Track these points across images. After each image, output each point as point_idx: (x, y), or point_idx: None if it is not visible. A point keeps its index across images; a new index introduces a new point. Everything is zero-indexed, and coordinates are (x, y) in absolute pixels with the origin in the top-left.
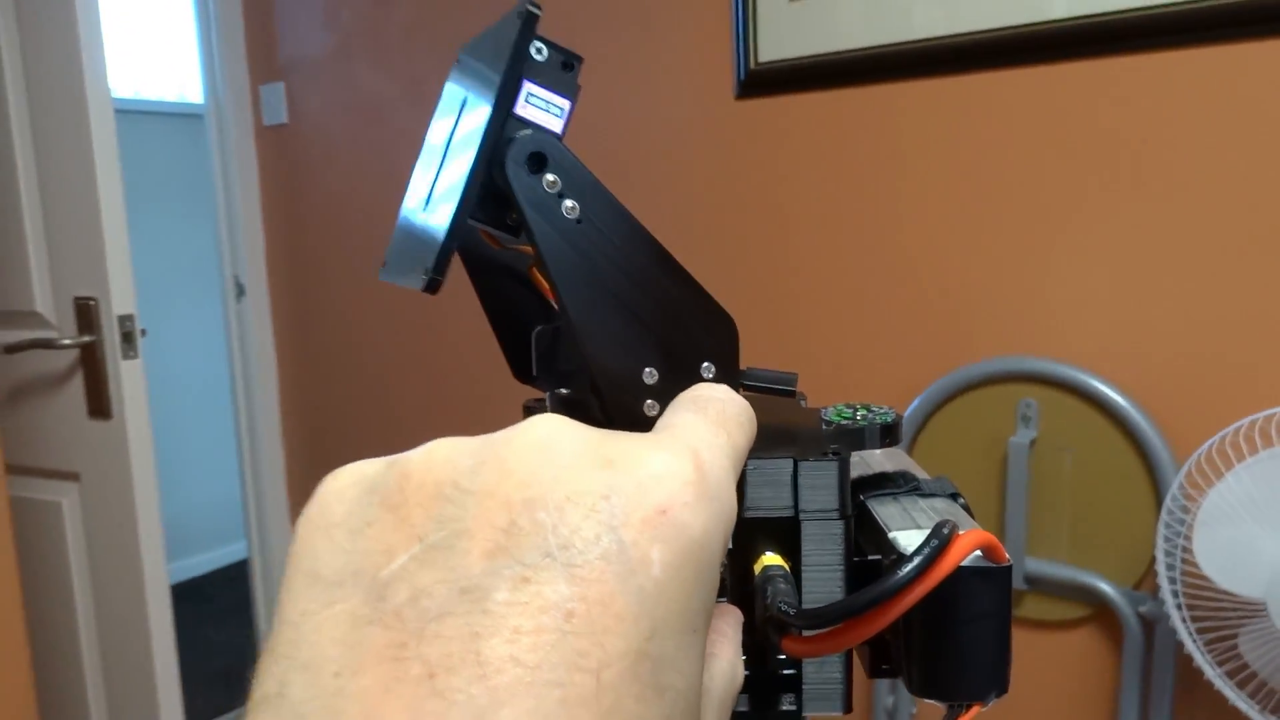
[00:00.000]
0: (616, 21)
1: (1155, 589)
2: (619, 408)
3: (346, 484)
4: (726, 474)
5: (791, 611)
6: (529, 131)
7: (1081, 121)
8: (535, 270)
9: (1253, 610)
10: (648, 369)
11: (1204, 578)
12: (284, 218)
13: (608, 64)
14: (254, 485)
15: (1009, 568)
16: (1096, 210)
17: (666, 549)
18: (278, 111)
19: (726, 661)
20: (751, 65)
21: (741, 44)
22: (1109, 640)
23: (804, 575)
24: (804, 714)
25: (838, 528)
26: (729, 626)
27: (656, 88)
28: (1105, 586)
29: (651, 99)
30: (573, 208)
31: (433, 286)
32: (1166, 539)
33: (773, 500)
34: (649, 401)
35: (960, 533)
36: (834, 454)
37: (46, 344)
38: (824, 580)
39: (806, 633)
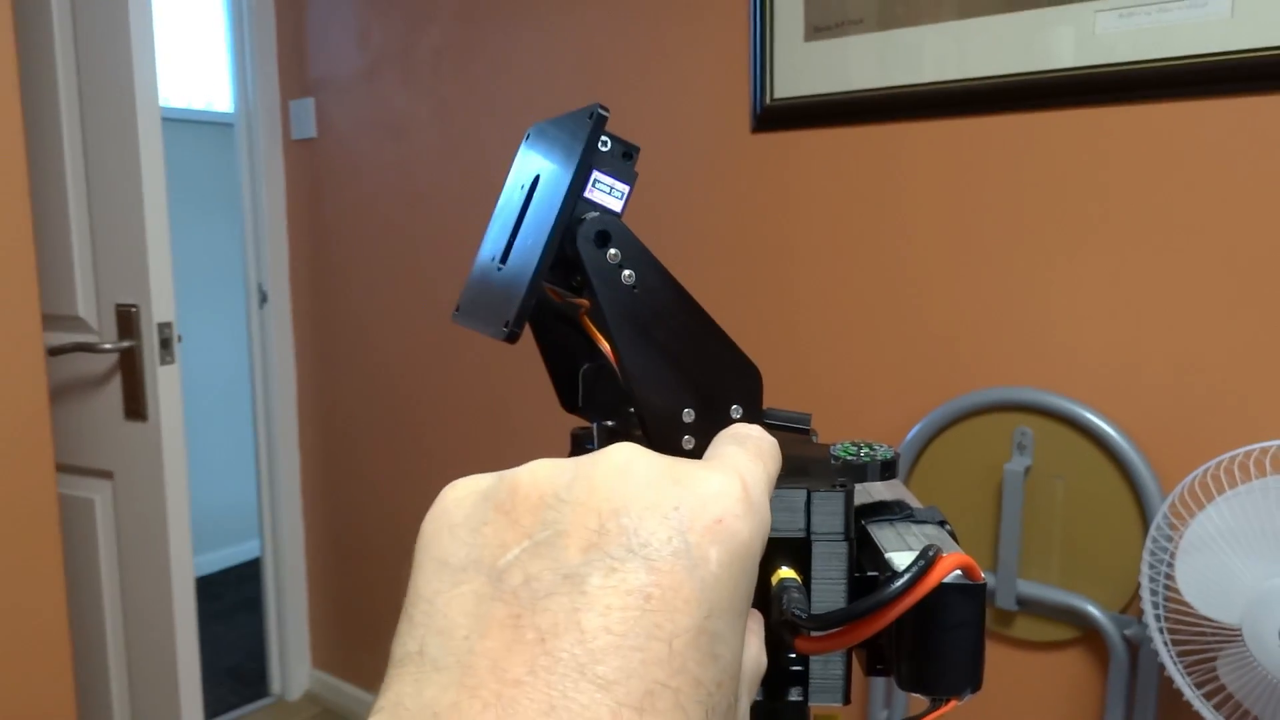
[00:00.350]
0: (639, 56)
1: (1140, 613)
2: (660, 441)
3: (464, 493)
4: (764, 495)
5: (804, 615)
6: (597, 214)
7: (1080, 166)
8: (585, 318)
9: (1230, 636)
10: (686, 409)
11: (1185, 603)
12: (308, 229)
13: (630, 95)
14: (269, 487)
15: (983, 585)
16: (1093, 250)
17: (722, 550)
18: (306, 126)
19: (755, 649)
20: (767, 101)
21: (758, 80)
22: (1096, 661)
23: (813, 587)
24: (809, 704)
25: (842, 548)
26: (756, 624)
27: (676, 119)
28: (1093, 610)
29: (671, 130)
30: (630, 276)
31: (512, 338)
32: (1151, 565)
33: (789, 523)
34: (686, 437)
35: (944, 555)
36: (841, 486)
37: (88, 348)
38: (830, 592)
39: (815, 633)
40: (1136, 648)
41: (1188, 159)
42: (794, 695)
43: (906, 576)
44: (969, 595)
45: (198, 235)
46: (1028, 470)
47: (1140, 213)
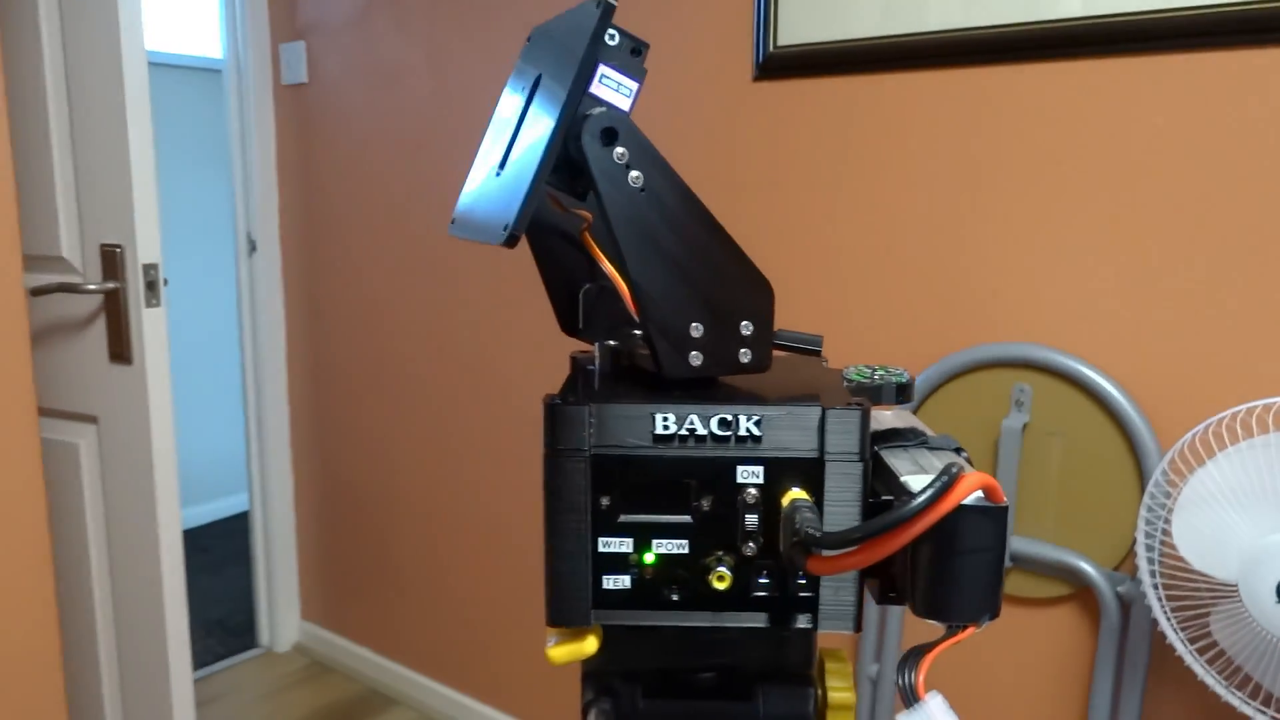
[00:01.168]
0: (641, 1)
1: (1134, 570)
2: (668, 358)
3: None
4: None
5: (818, 534)
6: (603, 109)
7: (1087, 118)
8: (587, 235)
9: (1226, 592)
10: (695, 323)
11: (1181, 560)
12: (298, 176)
13: None
14: (258, 439)
15: (1005, 508)
16: (1097, 205)
17: None
18: (297, 71)
19: None
20: (770, 48)
21: (762, 27)
22: (1088, 618)
23: (825, 510)
24: (818, 631)
25: (857, 469)
26: None
27: (676, 66)
28: (1087, 567)
29: (670, 77)
30: (637, 177)
31: (512, 241)
32: (1148, 522)
33: (801, 443)
34: (694, 353)
35: (965, 474)
36: (856, 404)
37: (71, 288)
38: (843, 516)
39: (828, 553)
40: (1128, 605)
41: (1193, 112)
42: (802, 622)
43: (928, 493)
44: (990, 518)
45: (187, 184)
46: (1025, 427)
47: (1144, 167)
